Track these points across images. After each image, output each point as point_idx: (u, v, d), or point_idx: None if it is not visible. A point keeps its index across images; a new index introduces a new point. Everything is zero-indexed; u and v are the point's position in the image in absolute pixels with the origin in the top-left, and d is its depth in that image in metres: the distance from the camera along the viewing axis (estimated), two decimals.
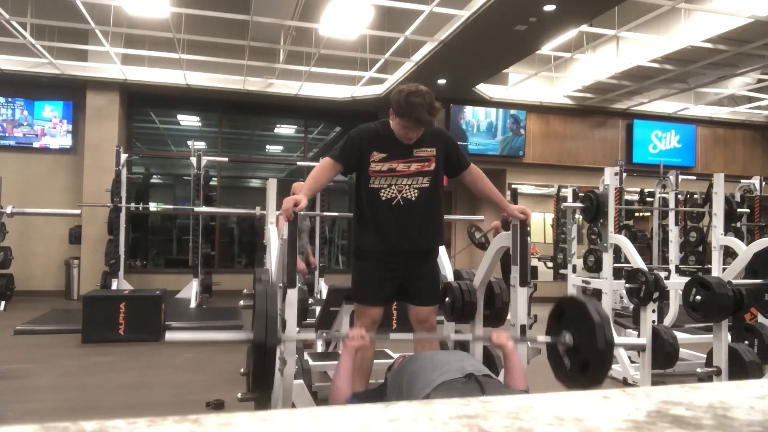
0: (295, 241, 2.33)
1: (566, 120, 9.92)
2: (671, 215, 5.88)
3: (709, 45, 6.97)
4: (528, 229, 2.59)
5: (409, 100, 2.48)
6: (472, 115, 9.37)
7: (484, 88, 8.96)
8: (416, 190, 2.63)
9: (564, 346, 2.23)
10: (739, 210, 5.59)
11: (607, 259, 4.63)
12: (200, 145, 9.73)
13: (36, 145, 8.63)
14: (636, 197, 8.42)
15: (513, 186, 9.71)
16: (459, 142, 3.09)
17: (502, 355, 2.44)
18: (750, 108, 10.26)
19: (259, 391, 2.14)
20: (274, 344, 2.04)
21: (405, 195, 2.62)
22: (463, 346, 3.16)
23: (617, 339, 2.37)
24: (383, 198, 2.62)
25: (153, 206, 10.43)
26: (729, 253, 4.86)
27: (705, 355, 3.79)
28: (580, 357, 2.18)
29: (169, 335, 2.09)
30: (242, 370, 3.08)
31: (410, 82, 2.65)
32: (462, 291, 2.87)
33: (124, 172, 7.63)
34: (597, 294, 5.98)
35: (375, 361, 2.82)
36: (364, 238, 2.71)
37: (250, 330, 2.12)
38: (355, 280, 2.74)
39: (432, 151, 2.66)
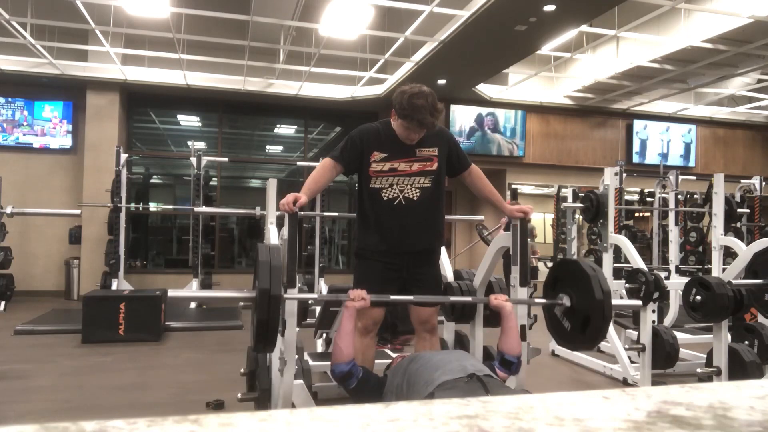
0: (295, 241, 2.33)
1: (566, 120, 9.92)
2: (671, 215, 5.88)
3: (709, 45, 6.97)
4: (534, 233, 2.60)
5: (412, 102, 2.47)
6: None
7: (484, 88, 8.97)
8: (418, 190, 2.63)
9: (562, 308, 2.25)
10: (739, 210, 5.59)
11: (607, 259, 4.63)
12: (200, 145, 9.73)
13: (36, 145, 8.63)
14: (636, 197, 8.42)
15: (513, 186, 9.72)
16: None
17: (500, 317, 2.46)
18: (750, 108, 10.26)
19: (264, 348, 2.11)
20: (279, 296, 2.03)
21: (407, 195, 2.62)
22: (462, 345, 3.16)
23: (615, 301, 2.39)
24: (385, 198, 2.62)
25: (153, 206, 10.42)
26: (729, 253, 4.86)
27: (705, 355, 3.80)
28: (580, 315, 2.20)
29: (171, 293, 2.11)
30: (242, 370, 3.08)
31: (411, 83, 2.65)
32: (462, 291, 2.87)
33: (124, 172, 7.63)
34: None
35: (375, 361, 2.82)
36: (366, 238, 2.71)
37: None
38: (357, 279, 2.74)
39: (434, 151, 2.66)
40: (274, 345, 2.17)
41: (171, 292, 2.15)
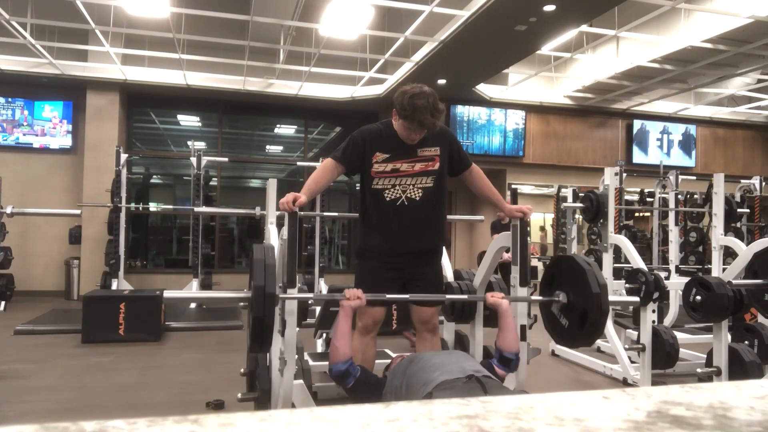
0: (295, 241, 2.32)
1: (566, 120, 9.92)
2: (671, 215, 5.88)
3: (709, 45, 6.97)
4: (528, 229, 2.60)
5: (413, 102, 2.46)
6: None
7: (484, 88, 8.97)
8: (420, 190, 2.63)
9: (559, 304, 2.26)
10: (739, 210, 5.59)
11: (607, 259, 4.63)
12: (200, 145, 9.73)
13: (36, 145, 8.63)
14: (636, 197, 8.42)
15: (513, 186, 9.72)
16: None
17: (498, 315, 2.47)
18: (750, 108, 10.26)
19: (260, 347, 2.11)
20: (273, 293, 2.03)
21: (409, 195, 2.62)
22: (462, 345, 3.16)
23: (612, 297, 2.41)
24: (387, 198, 2.62)
25: (153, 206, 10.42)
26: (729, 253, 4.86)
27: (705, 355, 3.80)
28: (577, 310, 2.20)
29: (168, 294, 2.10)
30: (242, 370, 3.08)
31: (411, 82, 2.65)
32: (462, 291, 2.87)
33: (124, 172, 7.63)
34: None
35: (375, 361, 2.82)
36: (369, 238, 2.70)
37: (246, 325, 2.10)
38: (358, 279, 2.74)
39: (436, 151, 2.65)
40: (269, 344, 2.17)
41: (167, 293, 2.15)
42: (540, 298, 2.37)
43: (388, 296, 2.49)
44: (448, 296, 2.77)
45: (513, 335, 2.41)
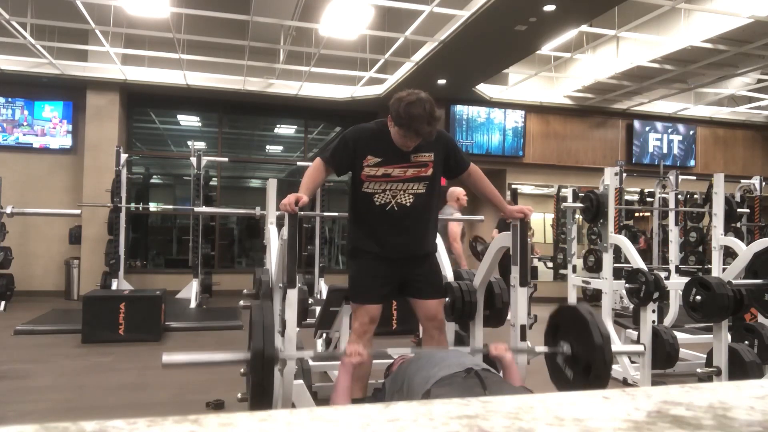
0: (295, 241, 2.32)
1: (566, 120, 9.92)
2: (671, 215, 5.88)
3: (709, 45, 6.97)
4: (531, 232, 2.59)
5: (409, 111, 2.39)
6: None
7: (484, 88, 8.97)
8: (411, 196, 2.59)
9: (563, 356, 2.24)
10: (739, 210, 5.58)
11: (607, 259, 4.63)
12: (200, 145, 9.73)
13: (36, 145, 8.63)
14: (636, 197, 8.43)
15: (513, 186, 9.72)
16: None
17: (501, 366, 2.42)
18: (750, 108, 10.26)
19: (260, 408, 2.11)
20: (272, 359, 2.02)
21: (399, 200, 2.58)
22: (462, 344, 3.16)
23: (616, 347, 2.39)
24: (377, 203, 2.58)
25: (153, 206, 10.43)
26: (729, 253, 4.86)
27: (705, 355, 3.79)
28: (581, 362, 2.18)
29: (166, 358, 2.01)
30: (242, 370, 3.08)
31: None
32: (462, 291, 2.87)
33: (124, 172, 7.63)
34: (597, 294, 5.98)
35: (375, 361, 2.82)
36: (359, 240, 2.68)
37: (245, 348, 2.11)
38: (351, 278, 2.72)
39: (430, 156, 2.60)
40: (270, 406, 2.15)
41: (166, 358, 2.03)
42: (545, 349, 2.33)
43: (385, 351, 2.47)
44: (452, 347, 2.75)
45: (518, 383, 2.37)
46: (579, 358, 2.20)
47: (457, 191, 5.30)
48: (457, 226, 5.15)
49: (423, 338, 2.85)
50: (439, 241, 2.95)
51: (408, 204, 2.59)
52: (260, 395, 2.01)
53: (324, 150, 2.71)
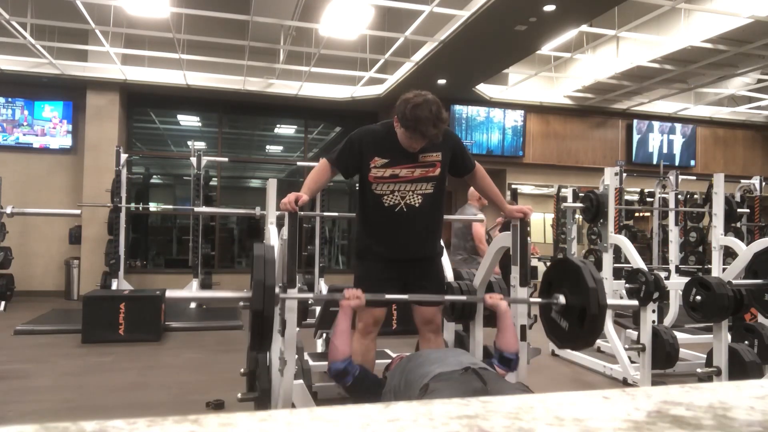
0: (295, 241, 2.32)
1: (566, 120, 9.92)
2: (671, 215, 5.88)
3: (709, 45, 6.97)
4: (528, 229, 2.60)
5: (415, 113, 2.38)
6: None
7: (484, 88, 8.97)
8: (420, 197, 2.59)
9: (558, 306, 2.28)
10: (739, 210, 5.59)
11: (607, 259, 4.63)
12: (200, 145, 9.73)
13: (36, 145, 8.63)
14: (636, 197, 8.42)
15: (513, 186, 9.72)
16: None
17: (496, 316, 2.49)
18: (750, 108, 10.26)
19: (261, 344, 2.10)
20: (273, 287, 2.03)
21: (408, 201, 2.59)
22: (462, 345, 3.16)
23: (612, 300, 2.42)
24: (386, 204, 2.58)
25: (153, 206, 10.43)
26: (729, 253, 4.86)
27: (705, 355, 3.80)
28: (575, 309, 2.22)
29: (169, 293, 2.11)
30: (242, 370, 3.08)
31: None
32: (462, 291, 2.87)
33: (124, 172, 7.63)
34: None
35: (375, 361, 2.82)
36: (367, 241, 2.69)
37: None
38: (358, 279, 2.72)
39: (438, 156, 2.60)
40: (270, 340, 2.16)
41: (169, 293, 2.15)
42: (539, 300, 2.37)
43: (388, 296, 2.49)
44: (447, 297, 2.76)
45: (512, 335, 2.42)
46: (573, 306, 2.24)
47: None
48: (482, 227, 5.12)
49: (420, 341, 2.87)
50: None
51: (417, 204, 2.60)
52: (261, 328, 2.00)
53: (330, 151, 2.71)
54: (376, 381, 2.41)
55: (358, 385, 2.32)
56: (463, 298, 2.77)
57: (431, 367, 2.08)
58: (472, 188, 5.39)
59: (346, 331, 2.36)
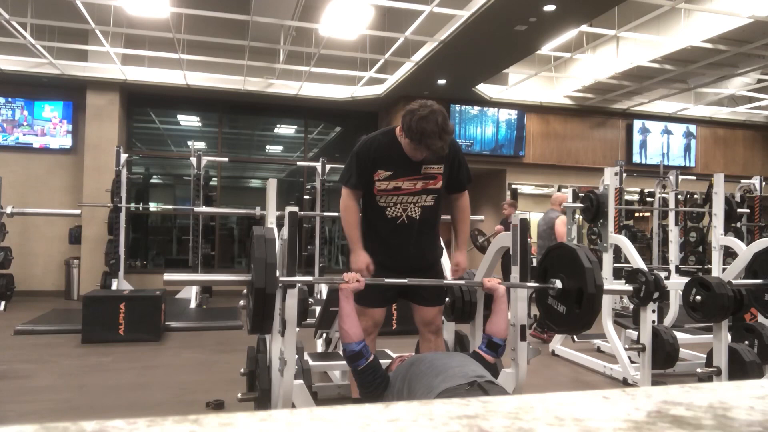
0: (295, 241, 2.32)
1: (566, 120, 9.92)
2: (671, 215, 5.88)
3: (709, 45, 6.97)
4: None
5: (421, 126, 2.37)
6: None
7: (484, 88, 8.96)
8: (420, 209, 2.61)
9: (554, 291, 2.29)
10: (739, 210, 5.59)
11: (607, 259, 4.63)
12: (200, 145, 9.73)
13: (36, 145, 8.63)
14: (636, 197, 8.42)
15: (513, 186, 9.72)
16: None
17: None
18: (750, 108, 10.26)
19: (262, 326, 2.11)
20: (274, 264, 2.03)
21: (409, 213, 2.61)
22: (462, 345, 3.16)
23: (607, 285, 2.45)
24: (389, 216, 2.61)
25: (153, 206, 10.43)
26: (729, 253, 4.86)
27: (705, 355, 3.79)
28: (572, 291, 2.23)
29: (167, 276, 2.10)
30: (242, 370, 3.08)
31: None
32: (462, 291, 2.87)
33: (124, 172, 7.63)
34: None
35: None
36: (369, 250, 2.69)
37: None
38: None
39: (440, 168, 2.61)
40: (271, 320, 2.16)
41: (167, 276, 2.10)
42: (536, 284, 2.39)
43: (387, 280, 2.48)
44: (446, 281, 2.76)
45: (504, 321, 2.45)
46: (570, 290, 2.25)
47: (561, 197, 5.59)
48: (563, 225, 5.59)
49: (420, 342, 2.87)
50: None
51: (416, 216, 2.62)
52: (263, 306, 2.00)
53: (342, 177, 2.69)
54: (385, 375, 2.40)
55: (368, 371, 2.29)
56: (462, 282, 2.75)
57: (435, 380, 2.07)
58: (556, 194, 5.74)
59: (351, 314, 2.36)
